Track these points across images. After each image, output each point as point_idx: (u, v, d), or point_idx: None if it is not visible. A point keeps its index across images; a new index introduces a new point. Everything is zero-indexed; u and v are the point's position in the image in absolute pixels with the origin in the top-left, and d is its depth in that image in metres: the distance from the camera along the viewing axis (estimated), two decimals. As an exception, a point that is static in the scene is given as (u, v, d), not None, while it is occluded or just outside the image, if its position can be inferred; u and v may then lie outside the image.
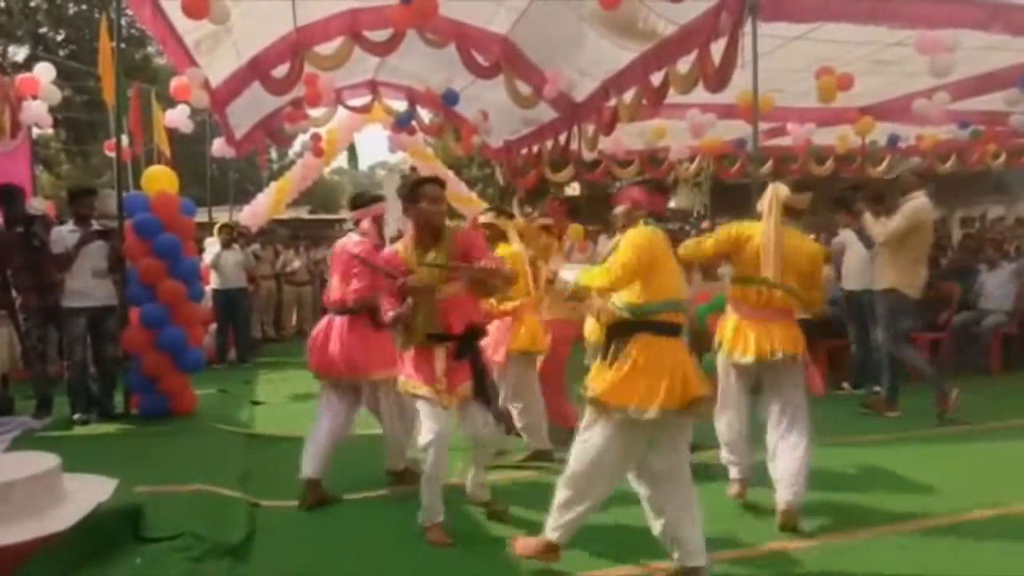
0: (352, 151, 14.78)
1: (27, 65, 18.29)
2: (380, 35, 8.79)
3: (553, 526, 3.40)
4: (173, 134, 11.02)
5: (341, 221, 5.43)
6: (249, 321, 10.24)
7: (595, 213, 12.50)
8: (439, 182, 3.99)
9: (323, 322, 4.60)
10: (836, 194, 7.19)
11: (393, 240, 4.69)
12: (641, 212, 3.44)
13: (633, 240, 3.30)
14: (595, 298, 3.56)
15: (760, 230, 4.14)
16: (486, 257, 3.89)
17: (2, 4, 22.60)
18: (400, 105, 12.78)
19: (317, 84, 9.76)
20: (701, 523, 3.31)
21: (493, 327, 4.89)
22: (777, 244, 4.06)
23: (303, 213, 23.12)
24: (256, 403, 7.33)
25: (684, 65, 7.55)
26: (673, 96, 8.17)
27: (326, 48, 9.02)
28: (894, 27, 7.02)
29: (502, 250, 4.84)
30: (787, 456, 4.04)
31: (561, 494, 3.39)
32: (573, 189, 18.28)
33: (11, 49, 23.01)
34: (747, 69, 6.42)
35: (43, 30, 23.77)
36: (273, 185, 15.15)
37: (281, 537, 3.97)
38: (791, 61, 8.37)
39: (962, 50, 7.28)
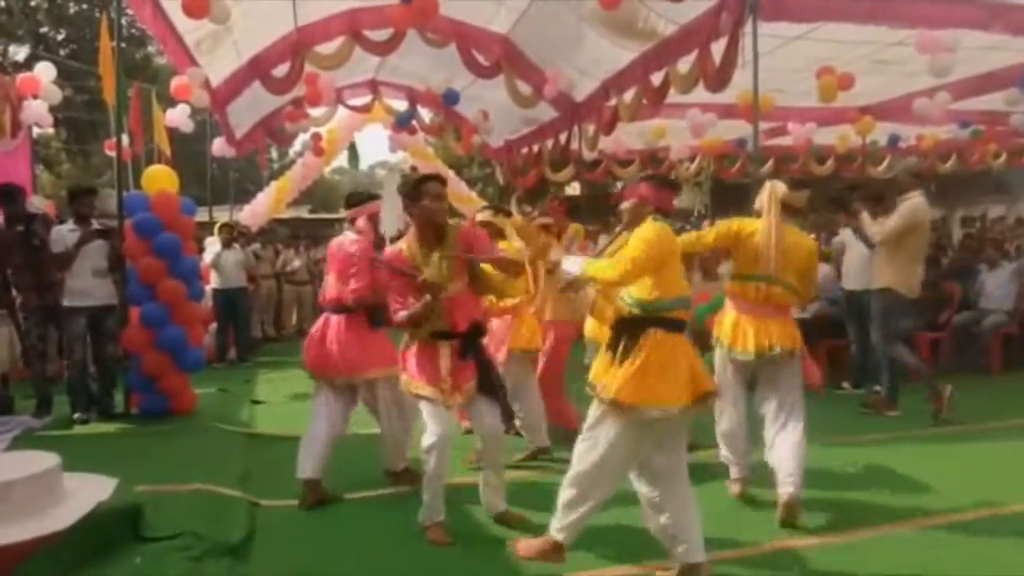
0: (353, 150, 14.78)
1: (28, 64, 18.31)
2: (380, 35, 8.79)
3: (558, 526, 3.39)
4: (173, 133, 11.03)
5: (341, 220, 5.46)
6: (249, 320, 10.24)
7: (595, 213, 12.52)
8: (441, 180, 3.96)
9: (320, 321, 4.60)
10: (833, 194, 7.20)
11: (394, 239, 4.70)
12: (648, 208, 3.41)
13: (644, 235, 3.27)
14: (590, 291, 3.56)
15: (760, 227, 4.16)
16: (488, 251, 3.92)
17: (3, 3, 22.60)
18: (400, 105, 12.79)
19: (317, 83, 9.77)
20: (700, 520, 3.32)
21: (492, 325, 4.90)
22: (778, 241, 4.09)
23: (303, 212, 23.13)
24: (256, 402, 7.33)
25: (684, 65, 7.55)
26: (673, 96, 8.18)
27: (326, 48, 9.02)
28: (894, 27, 7.02)
29: (502, 247, 4.84)
30: (785, 448, 4.09)
31: (565, 494, 3.37)
32: (573, 189, 18.29)
33: (12, 48, 23.02)
34: (747, 69, 6.42)
35: (44, 29, 23.78)
36: (273, 184, 15.16)
37: (281, 537, 3.97)
38: (792, 61, 8.38)
39: (962, 50, 7.28)
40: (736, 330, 4.23)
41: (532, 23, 9.03)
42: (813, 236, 9.03)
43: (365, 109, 12.81)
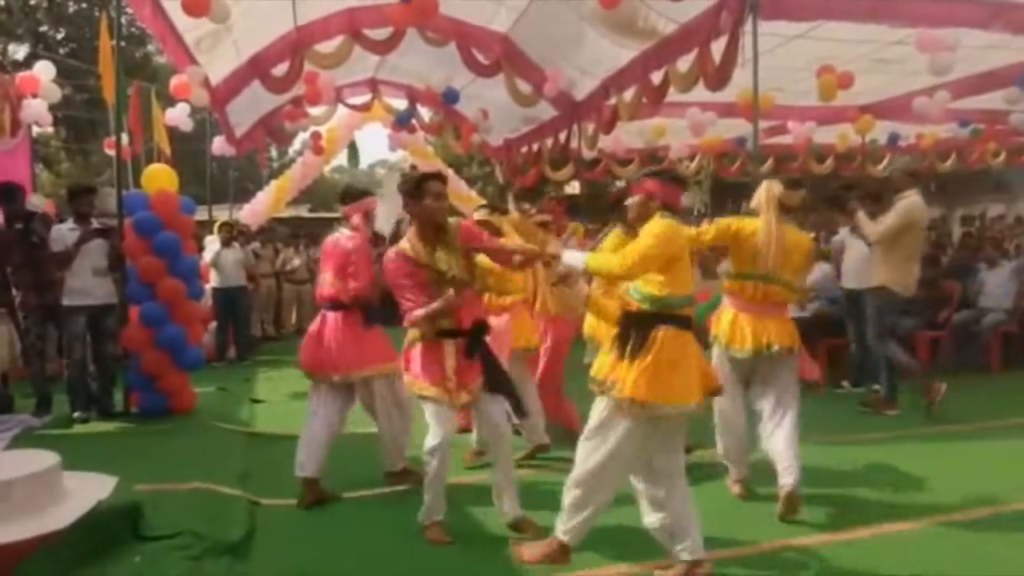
0: (353, 148, 14.78)
1: (27, 63, 18.31)
2: (380, 33, 8.79)
3: (564, 528, 3.36)
4: (173, 132, 11.02)
5: (340, 219, 5.42)
6: (249, 319, 10.23)
7: (595, 211, 12.51)
8: (442, 178, 3.94)
9: (317, 319, 4.59)
10: (829, 193, 7.21)
11: (393, 236, 4.70)
12: (655, 204, 3.37)
13: (654, 231, 3.24)
14: (583, 286, 3.54)
15: (758, 226, 4.17)
16: (490, 244, 3.92)
17: (2, 2, 22.59)
18: (400, 103, 12.78)
19: (317, 82, 9.77)
20: (699, 518, 3.32)
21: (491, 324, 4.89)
22: (778, 240, 4.11)
23: (303, 211, 23.15)
24: (256, 401, 7.33)
25: (684, 64, 7.55)
26: (673, 95, 8.18)
27: (326, 46, 9.02)
28: (894, 25, 7.02)
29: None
30: (781, 441, 4.14)
31: (571, 494, 3.34)
32: (573, 187, 18.30)
33: (11, 47, 23.01)
34: (747, 67, 6.42)
35: (43, 28, 23.76)
36: (273, 183, 15.16)
37: (281, 536, 3.97)
38: (791, 60, 8.38)
39: (962, 49, 7.28)
40: (734, 328, 4.25)
41: (532, 22, 9.03)
42: (812, 235, 9.09)
43: (365, 108, 12.80)
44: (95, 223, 6.38)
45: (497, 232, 5.00)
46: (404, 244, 3.87)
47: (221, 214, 13.48)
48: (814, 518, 4.09)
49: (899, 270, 6.26)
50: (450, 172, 15.10)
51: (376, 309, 4.57)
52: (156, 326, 6.32)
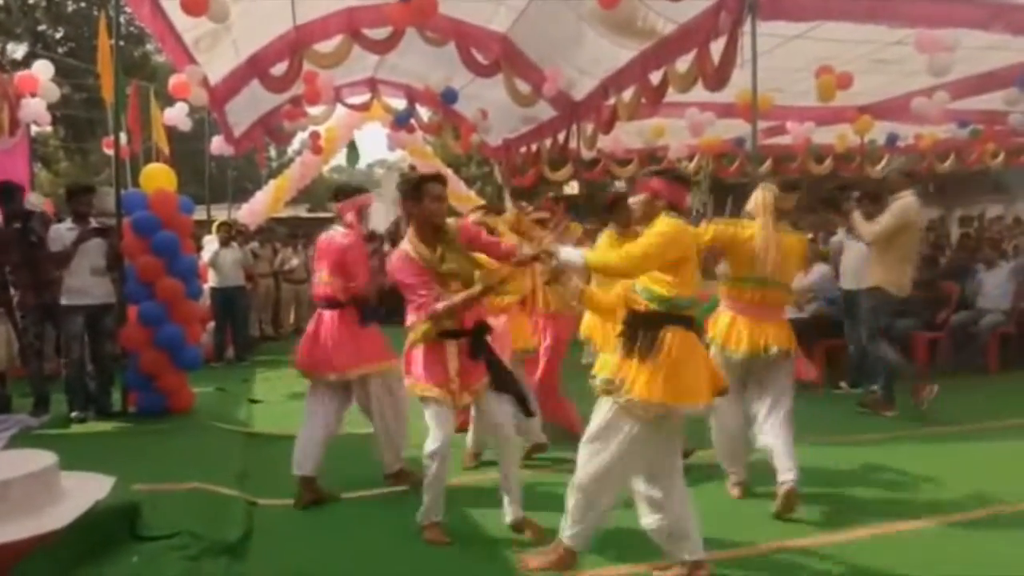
0: (352, 148, 14.75)
1: (26, 62, 18.29)
2: (379, 33, 8.79)
3: (570, 533, 3.32)
4: (172, 132, 11.01)
5: (335, 217, 5.41)
6: (247, 319, 10.22)
7: (594, 212, 12.49)
8: (441, 180, 3.93)
9: (314, 318, 4.58)
10: (825, 194, 7.22)
11: (393, 236, 4.69)
12: (661, 203, 3.33)
13: (661, 230, 3.20)
14: (576, 282, 3.53)
15: (755, 230, 4.19)
16: (489, 242, 3.92)
17: (1, 1, 22.56)
18: (399, 103, 12.78)
19: (316, 82, 9.76)
20: (698, 518, 3.32)
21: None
22: (776, 245, 4.13)
23: (301, 211, 23.14)
24: (254, 401, 7.33)
25: (683, 64, 7.55)
26: (672, 95, 8.18)
27: (325, 46, 9.02)
28: (894, 26, 7.03)
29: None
30: (782, 440, 4.17)
31: (575, 500, 3.29)
32: (572, 188, 18.30)
33: (10, 46, 22.97)
34: (746, 68, 6.42)
35: (42, 27, 23.71)
36: (272, 183, 15.16)
37: (279, 536, 3.97)
38: (790, 60, 8.38)
39: (962, 49, 7.28)
40: (731, 330, 4.27)
41: (531, 22, 9.03)
42: (811, 236, 9.10)
43: (364, 108, 12.80)
44: (93, 222, 6.37)
45: (492, 234, 5.01)
46: (406, 247, 3.83)
47: (220, 214, 13.47)
48: (812, 519, 4.10)
49: (894, 270, 6.28)
50: (449, 172, 15.12)
51: (373, 307, 4.56)
52: (154, 326, 6.32)
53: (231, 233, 9.89)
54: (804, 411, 4.37)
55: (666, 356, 3.12)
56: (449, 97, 11.01)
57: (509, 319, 5.03)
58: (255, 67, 9.09)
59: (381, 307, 4.65)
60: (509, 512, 3.87)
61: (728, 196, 6.82)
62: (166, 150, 10.48)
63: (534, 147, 13.30)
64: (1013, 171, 16.39)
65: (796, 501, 4.07)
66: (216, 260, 9.43)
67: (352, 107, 12.64)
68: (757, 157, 7.70)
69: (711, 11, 6.75)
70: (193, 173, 16.24)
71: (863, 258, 6.81)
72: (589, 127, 10.83)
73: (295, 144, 23.56)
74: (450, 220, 3.96)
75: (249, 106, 10.71)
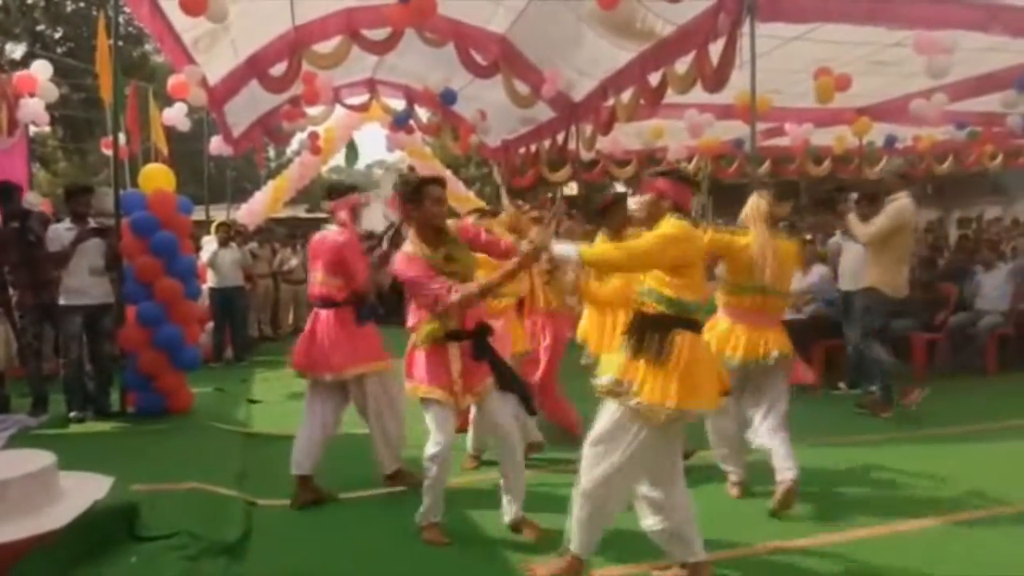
0: (352, 147, 14.75)
1: (24, 62, 18.26)
2: (378, 34, 8.79)
3: (578, 541, 3.25)
4: (170, 132, 11.01)
5: (328, 217, 5.39)
6: (246, 319, 10.22)
7: (588, 215, 12.49)
8: (441, 182, 3.92)
9: (311, 317, 4.59)
10: (821, 195, 7.24)
11: (392, 236, 4.69)
12: (666, 203, 3.27)
13: (667, 231, 3.15)
14: (571, 275, 3.50)
15: (750, 240, 4.23)
16: (489, 241, 3.91)
17: (0, 1, 22.56)
18: (398, 104, 12.79)
19: (315, 82, 9.77)
20: (698, 519, 3.32)
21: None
22: (773, 253, 4.17)
23: (300, 211, 23.12)
24: (253, 401, 7.32)
25: (682, 65, 7.56)
26: (671, 96, 8.18)
27: (324, 47, 9.02)
28: (892, 28, 7.03)
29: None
30: (780, 439, 4.22)
31: (583, 507, 3.21)
32: (571, 189, 18.31)
33: (9, 46, 22.94)
34: (745, 69, 6.42)
35: (41, 27, 23.69)
36: (271, 183, 15.16)
37: (277, 536, 3.97)
38: (789, 61, 8.39)
39: (960, 51, 7.29)
40: (730, 336, 4.31)
41: (530, 23, 9.03)
42: (810, 237, 9.11)
43: (363, 108, 12.81)
44: (92, 222, 6.37)
45: None
46: (411, 249, 3.79)
47: (218, 214, 13.46)
48: (811, 519, 4.11)
49: (889, 271, 6.31)
50: (448, 173, 15.14)
51: (372, 306, 4.56)
52: (153, 326, 6.31)
53: (230, 233, 9.88)
54: (803, 412, 4.38)
55: (677, 360, 3.08)
56: (448, 98, 11.02)
57: (506, 322, 5.03)
58: (254, 67, 9.09)
59: (380, 307, 4.65)
60: (509, 512, 3.86)
61: (727, 197, 6.84)
62: (165, 150, 10.49)
63: (533, 148, 13.30)
64: (1011, 173, 16.42)
65: (794, 498, 4.09)
66: (215, 260, 9.43)
67: (351, 108, 12.65)
68: (756, 158, 7.70)
69: (710, 12, 6.76)
70: (192, 173, 16.24)
71: (861, 259, 6.82)
72: (588, 128, 10.83)
73: (294, 144, 23.62)
74: (449, 221, 3.96)
75: (248, 106, 10.71)
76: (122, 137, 7.30)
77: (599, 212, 4.94)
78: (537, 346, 5.48)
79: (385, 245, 4.76)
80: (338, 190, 4.70)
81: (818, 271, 7.94)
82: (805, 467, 4.28)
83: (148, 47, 24.12)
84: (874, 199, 6.67)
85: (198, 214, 9.70)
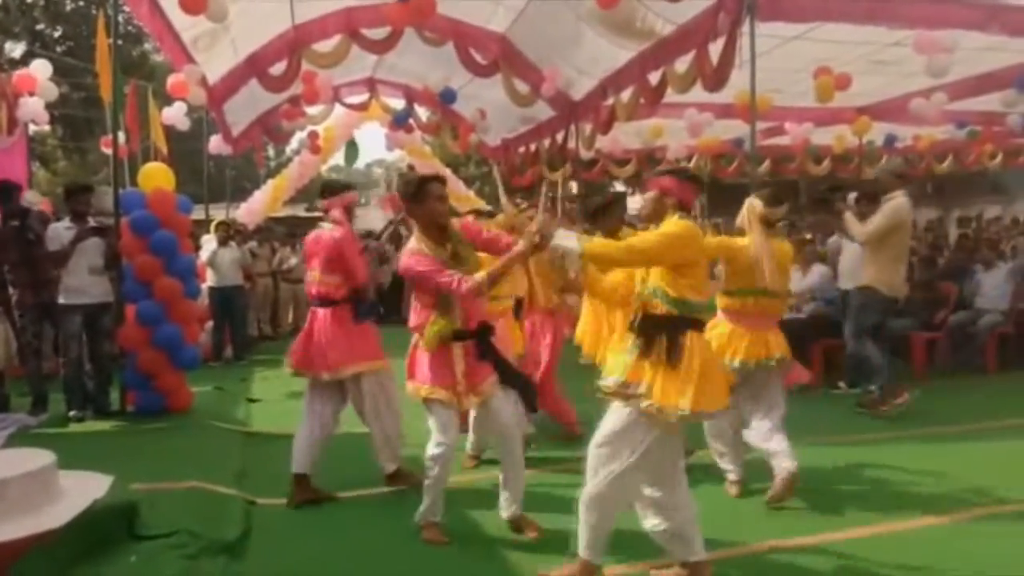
0: (352, 145, 14.74)
1: (24, 61, 18.25)
2: (378, 33, 8.78)
3: (588, 545, 3.20)
4: (170, 131, 11.00)
5: (323, 215, 5.39)
6: (246, 318, 10.21)
7: (585, 216, 12.49)
8: (441, 179, 3.91)
9: (309, 316, 4.59)
10: (817, 195, 7.25)
11: (392, 235, 4.69)
12: (670, 200, 3.25)
13: (671, 231, 3.13)
14: (572, 264, 3.48)
15: (748, 244, 4.27)
16: (490, 238, 3.90)
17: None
18: (398, 103, 12.78)
19: (315, 82, 9.76)
20: (699, 519, 3.31)
21: None
22: (770, 256, 4.19)
23: (300, 211, 23.11)
24: (252, 401, 7.32)
25: (682, 64, 7.55)
26: (671, 95, 8.17)
27: (324, 46, 9.01)
28: (892, 27, 7.03)
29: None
30: (778, 435, 4.28)
31: (591, 512, 3.16)
32: (571, 188, 18.31)
33: (8, 45, 22.93)
34: (745, 69, 6.42)
35: (40, 26, 23.68)
36: (270, 183, 15.17)
37: (277, 535, 3.97)
38: (789, 61, 8.38)
39: (960, 50, 7.29)
40: (731, 338, 4.35)
41: (530, 22, 9.03)
42: (810, 237, 9.11)
43: (362, 107, 12.79)
44: (92, 221, 6.37)
45: None
46: (418, 246, 3.76)
47: (218, 213, 13.45)
48: (811, 517, 4.11)
49: (886, 270, 6.32)
50: (448, 172, 15.14)
51: (370, 304, 4.56)
52: (152, 325, 6.31)
53: (229, 232, 9.88)
54: (802, 411, 4.38)
55: (689, 361, 3.07)
56: (448, 97, 11.01)
57: (505, 324, 5.02)
58: (253, 66, 9.09)
59: (380, 305, 4.65)
60: (507, 509, 3.85)
61: (726, 197, 6.84)
62: (164, 149, 10.48)
63: (533, 147, 13.29)
64: (1011, 172, 16.43)
65: (791, 490, 4.16)
66: (214, 259, 9.43)
67: (351, 107, 12.64)
68: (756, 158, 7.70)
69: (710, 12, 6.75)
70: (191, 172, 16.24)
71: (859, 258, 6.83)
72: (587, 127, 10.83)
73: (293, 143, 23.63)
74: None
75: (247, 105, 10.70)
76: (121, 136, 7.29)
77: (592, 215, 4.95)
78: (537, 345, 5.48)
79: (384, 240, 4.76)
80: (332, 188, 4.71)
81: (818, 271, 7.94)
82: (805, 466, 4.28)
83: (148, 46, 24.11)
84: (874, 198, 6.68)
85: (197, 213, 9.69)
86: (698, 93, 7.70)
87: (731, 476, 4.49)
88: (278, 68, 9.10)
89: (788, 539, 3.81)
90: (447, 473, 3.78)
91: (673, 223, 3.17)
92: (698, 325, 3.19)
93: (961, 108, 10.31)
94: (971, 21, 6.79)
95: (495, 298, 4.75)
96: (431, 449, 3.73)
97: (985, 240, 10.43)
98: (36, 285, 6.31)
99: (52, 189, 19.55)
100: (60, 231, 6.19)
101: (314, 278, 4.51)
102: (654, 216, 3.29)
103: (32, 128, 9.74)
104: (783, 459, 4.20)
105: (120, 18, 7.02)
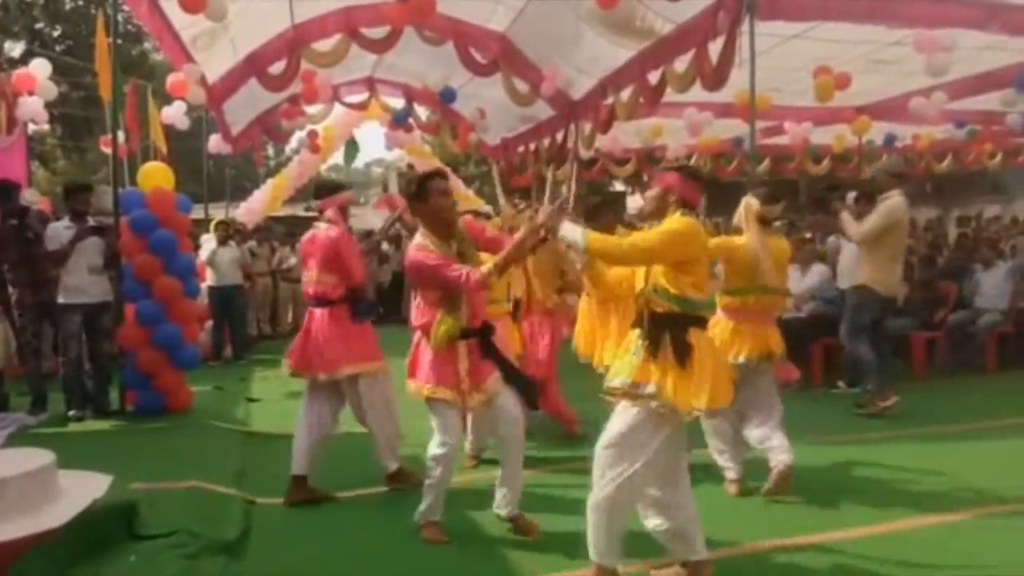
0: (353, 143, 14.72)
1: (23, 61, 18.24)
2: (377, 32, 8.78)
3: (603, 549, 3.14)
4: (169, 130, 10.99)
5: (317, 216, 5.39)
6: (245, 318, 10.22)
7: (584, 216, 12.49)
8: (444, 175, 3.90)
9: (307, 317, 4.58)
10: (814, 194, 7.27)
11: (389, 228, 4.68)
12: (673, 197, 3.23)
13: (674, 228, 3.10)
14: (578, 257, 3.48)
15: (745, 242, 4.31)
16: (491, 238, 3.91)
17: (-2, -1, 22.56)
18: (397, 102, 12.76)
19: (314, 81, 9.75)
20: (699, 518, 3.31)
21: None
22: (768, 253, 4.25)
23: (299, 210, 23.10)
24: (252, 400, 7.33)
25: (681, 64, 7.55)
26: (670, 94, 8.17)
27: (323, 45, 9.00)
28: (892, 26, 7.02)
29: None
30: (776, 431, 4.34)
31: (601, 516, 3.10)
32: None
33: (7, 45, 22.92)
34: (744, 68, 6.42)
35: (39, 26, 23.68)
36: (270, 182, 15.15)
37: (276, 534, 3.97)
38: (788, 60, 8.37)
39: (960, 50, 7.28)
40: (734, 335, 4.38)
41: (530, 21, 9.02)
42: (809, 236, 9.10)
43: (362, 107, 12.77)
44: (91, 221, 6.37)
45: None
46: (424, 242, 3.72)
47: (217, 212, 13.45)
48: (811, 517, 4.11)
49: (882, 269, 6.33)
50: (447, 171, 15.12)
51: (368, 303, 4.56)
52: (152, 324, 6.31)
53: (229, 232, 9.88)
54: (802, 411, 4.39)
55: (698, 359, 3.05)
56: (447, 96, 11.00)
57: (503, 326, 5.02)
58: (253, 66, 9.08)
59: (379, 304, 4.65)
60: (504, 507, 3.83)
61: (726, 196, 6.82)
62: (164, 149, 10.47)
63: (532, 146, 13.28)
64: (1010, 171, 16.42)
65: (788, 483, 4.21)
66: (214, 259, 9.43)
67: (350, 106, 12.62)
68: (755, 157, 7.69)
69: (709, 11, 6.75)
70: (191, 172, 16.23)
71: (857, 258, 6.84)
72: (587, 126, 10.82)
73: (293, 143, 23.60)
74: None
75: (247, 105, 10.69)
76: (121, 135, 7.29)
77: (587, 215, 4.96)
78: (535, 346, 5.48)
79: (383, 238, 4.76)
80: (326, 189, 4.71)
81: (818, 271, 7.94)
82: (804, 465, 4.29)
83: (147, 45, 24.11)
84: (873, 198, 6.68)
85: (197, 212, 9.69)
86: (697, 92, 7.69)
87: (731, 475, 4.48)
88: (277, 67, 9.09)
89: (788, 538, 3.81)
90: (450, 474, 3.78)
91: (675, 220, 3.15)
92: (700, 322, 3.19)
93: (960, 107, 10.30)
94: (971, 20, 6.79)
95: (493, 301, 4.74)
96: (434, 449, 3.72)
97: (984, 239, 10.43)
98: (35, 284, 6.31)
99: (51, 188, 19.53)
100: (59, 230, 6.19)
101: (311, 278, 4.50)
102: (657, 213, 3.27)
103: (31, 127, 9.73)
104: (779, 453, 4.26)
105: (119, 17, 7.02)
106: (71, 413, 6.23)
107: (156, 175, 6.75)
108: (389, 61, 11.01)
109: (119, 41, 7.16)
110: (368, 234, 9.11)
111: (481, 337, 3.79)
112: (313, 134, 13.19)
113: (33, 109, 8.44)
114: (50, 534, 3.08)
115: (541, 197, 5.70)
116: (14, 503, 3.10)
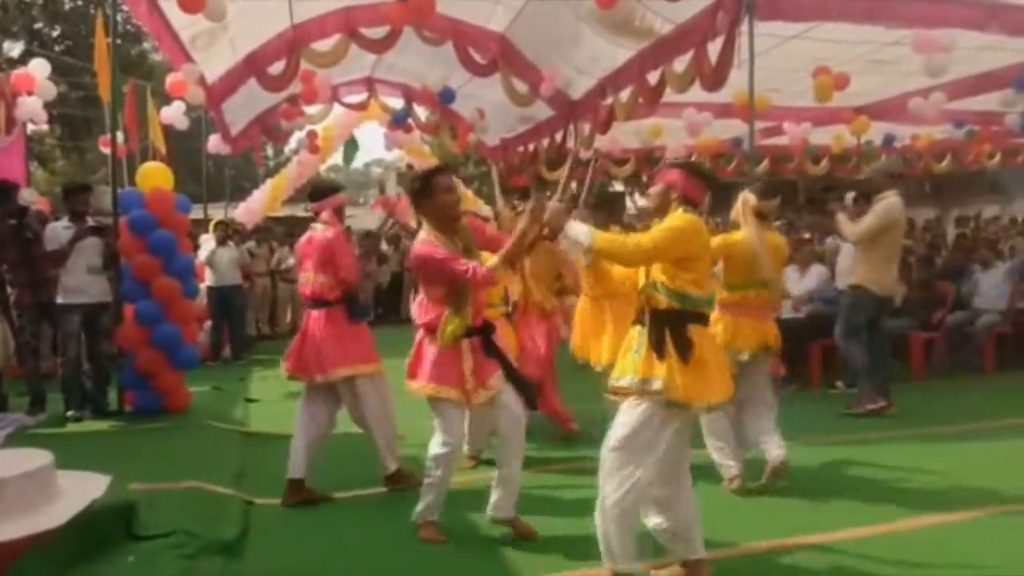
0: (353, 142, 14.71)
1: (22, 61, 18.23)
2: (377, 32, 8.78)
3: (617, 552, 3.10)
4: (168, 130, 10.99)
5: (313, 217, 5.40)
6: (244, 318, 10.22)
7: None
8: (446, 170, 3.88)
9: (304, 318, 4.58)
10: (811, 195, 7.28)
11: (388, 227, 4.68)
12: (675, 194, 3.22)
13: (677, 224, 3.10)
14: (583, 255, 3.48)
15: (743, 237, 4.34)
16: (492, 237, 3.91)
17: (-3, -1, 22.55)
18: (397, 102, 12.76)
19: (313, 81, 9.75)
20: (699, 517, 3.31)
21: None
22: (765, 248, 4.28)
23: (299, 210, 23.09)
24: (250, 400, 7.32)
25: (681, 64, 7.55)
26: (669, 95, 8.17)
27: (322, 45, 9.00)
28: (891, 26, 7.03)
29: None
30: (771, 426, 4.43)
31: (613, 520, 3.06)
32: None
33: (6, 45, 22.92)
34: (743, 68, 6.42)
35: (38, 26, 23.67)
36: (269, 182, 15.14)
37: (275, 535, 3.97)
38: (788, 60, 8.38)
39: (958, 50, 7.28)
40: (737, 330, 4.41)
41: (529, 21, 9.02)
42: (808, 236, 9.10)
43: (361, 107, 12.76)
44: (90, 221, 6.36)
45: None
46: (429, 237, 3.70)
47: (217, 213, 13.45)
48: (810, 517, 4.10)
49: (878, 269, 6.34)
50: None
51: (364, 304, 4.56)
52: (151, 325, 6.31)
53: (228, 232, 9.88)
54: (801, 411, 4.40)
55: (700, 354, 3.06)
56: (446, 96, 11.00)
57: (500, 328, 5.01)
58: (252, 66, 9.07)
59: (376, 305, 4.66)
60: (502, 509, 3.79)
61: (725, 196, 6.81)
62: (163, 149, 10.47)
63: (531, 147, 13.28)
64: (1009, 172, 16.41)
65: (782, 476, 4.34)
66: (213, 259, 9.43)
67: (349, 106, 12.62)
68: (754, 157, 7.70)
69: (709, 11, 6.75)
70: (190, 172, 16.22)
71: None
72: (586, 127, 10.82)
73: (292, 143, 23.59)
74: None
75: (246, 105, 10.68)
76: (120, 135, 7.29)
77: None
78: (533, 347, 5.47)
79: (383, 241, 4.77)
80: (321, 191, 4.71)
81: (817, 272, 7.94)
82: (804, 465, 4.30)
83: (146, 45, 24.10)
84: (870, 198, 6.69)
85: (196, 213, 9.69)
86: (697, 93, 7.69)
87: (731, 471, 4.45)
88: (277, 67, 9.08)
89: (787, 539, 3.81)
90: (450, 474, 3.77)
91: (677, 216, 3.15)
92: (701, 319, 3.19)
93: (959, 108, 10.31)
94: (970, 20, 6.79)
95: (489, 305, 4.72)
96: (435, 449, 3.72)
97: (983, 240, 10.42)
98: (34, 284, 6.31)
99: (50, 188, 19.51)
100: (58, 230, 6.18)
101: (307, 279, 4.52)
102: (659, 210, 3.27)
103: (30, 127, 9.73)
104: (774, 448, 4.35)
105: (119, 17, 7.02)
106: (70, 413, 6.23)
107: (155, 175, 6.75)
108: (388, 61, 11.00)
109: (118, 41, 7.15)
110: (368, 235, 9.11)
111: (483, 335, 3.79)
112: (312, 134, 13.19)
113: (32, 109, 8.44)
114: (49, 534, 3.08)
115: (540, 197, 5.68)
116: (13, 503, 3.10)
